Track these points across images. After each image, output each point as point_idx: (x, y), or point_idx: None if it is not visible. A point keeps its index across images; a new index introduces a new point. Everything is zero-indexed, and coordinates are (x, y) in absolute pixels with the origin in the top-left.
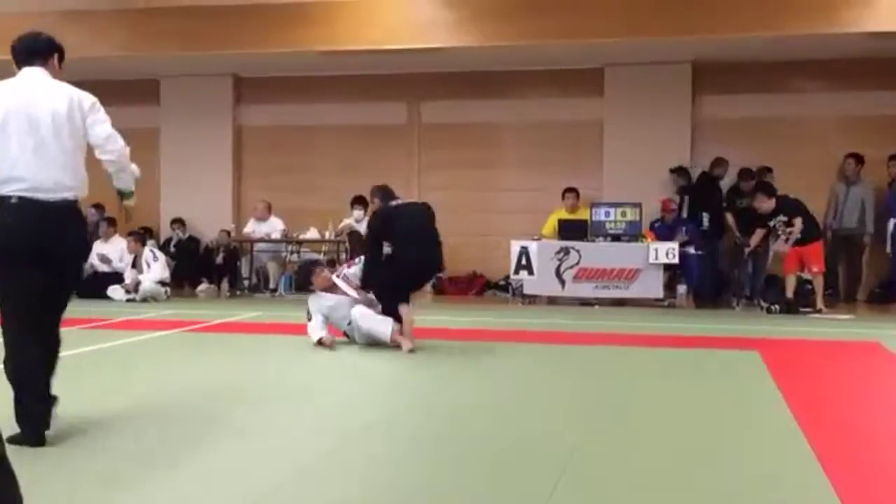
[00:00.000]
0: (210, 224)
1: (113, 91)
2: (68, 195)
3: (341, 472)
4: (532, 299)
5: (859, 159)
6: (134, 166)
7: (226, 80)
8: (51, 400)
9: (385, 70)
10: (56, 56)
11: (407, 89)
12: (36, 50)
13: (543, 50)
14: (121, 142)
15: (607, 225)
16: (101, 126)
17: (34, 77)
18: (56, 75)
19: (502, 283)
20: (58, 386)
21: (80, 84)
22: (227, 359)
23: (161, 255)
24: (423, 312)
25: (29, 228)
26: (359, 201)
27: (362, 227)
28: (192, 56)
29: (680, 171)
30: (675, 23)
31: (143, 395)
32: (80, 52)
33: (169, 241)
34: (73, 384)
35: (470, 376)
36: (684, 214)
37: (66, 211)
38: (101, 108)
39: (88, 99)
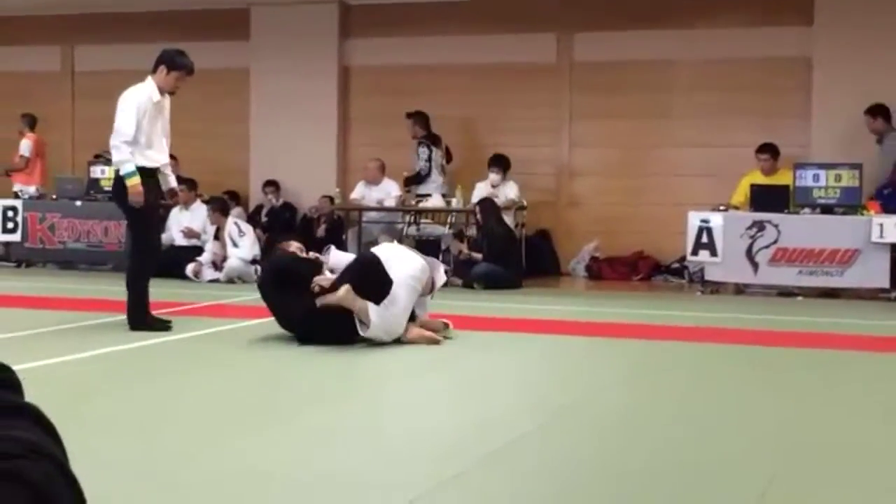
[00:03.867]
0: (309, 188)
1: (194, 23)
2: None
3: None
4: (715, 287)
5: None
6: (116, 158)
7: (330, 7)
8: None
9: None
10: (162, 67)
11: (556, 17)
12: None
13: None
14: (114, 140)
15: (816, 192)
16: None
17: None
18: (161, 82)
19: (676, 266)
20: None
21: (159, 14)
22: (324, 355)
23: (248, 229)
24: (571, 302)
25: None
26: (497, 161)
27: (500, 194)
28: None
29: None
30: None
31: (226, 396)
32: None
33: (260, 208)
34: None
35: (631, 385)
36: None
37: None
38: (122, 104)
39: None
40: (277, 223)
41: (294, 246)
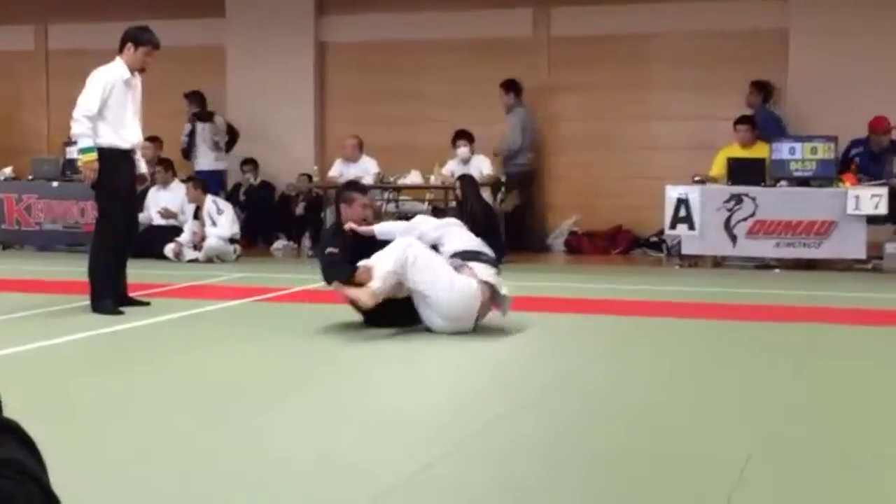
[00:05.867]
0: (287, 166)
1: (170, 1)
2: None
3: (460, 482)
4: (693, 261)
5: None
6: (74, 130)
7: None
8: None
9: None
10: (129, 45)
11: None
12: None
13: None
14: (76, 113)
15: (792, 165)
16: None
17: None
18: (130, 60)
19: (654, 239)
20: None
21: None
22: (308, 339)
23: (227, 207)
24: (551, 278)
25: None
26: (463, 136)
27: (472, 168)
28: None
29: None
30: None
31: (203, 384)
32: None
33: (238, 187)
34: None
35: (608, 364)
36: None
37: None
38: (89, 81)
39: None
40: (256, 202)
41: (358, 204)
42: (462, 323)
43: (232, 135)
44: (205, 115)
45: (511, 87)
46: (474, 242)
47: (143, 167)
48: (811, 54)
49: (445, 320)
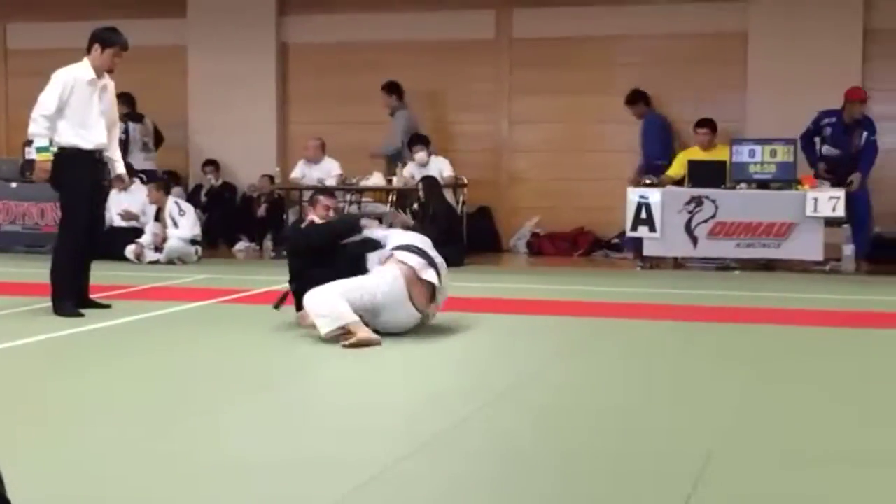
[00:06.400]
0: (249, 167)
1: (131, 0)
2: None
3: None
4: (654, 262)
5: None
6: (30, 129)
7: None
8: None
9: None
10: (96, 46)
11: None
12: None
13: None
14: (34, 112)
15: (752, 167)
16: None
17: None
18: (97, 62)
19: (616, 241)
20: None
21: None
22: (271, 339)
23: (189, 208)
24: (512, 280)
25: None
26: (419, 139)
27: (433, 171)
28: None
29: None
30: None
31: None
32: None
33: (199, 188)
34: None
35: (570, 364)
36: None
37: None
38: (50, 81)
39: None
40: (217, 203)
41: (321, 205)
42: (403, 309)
43: (158, 137)
44: (135, 116)
45: (393, 89)
46: (415, 239)
47: (119, 168)
48: (770, 57)
49: (388, 316)
